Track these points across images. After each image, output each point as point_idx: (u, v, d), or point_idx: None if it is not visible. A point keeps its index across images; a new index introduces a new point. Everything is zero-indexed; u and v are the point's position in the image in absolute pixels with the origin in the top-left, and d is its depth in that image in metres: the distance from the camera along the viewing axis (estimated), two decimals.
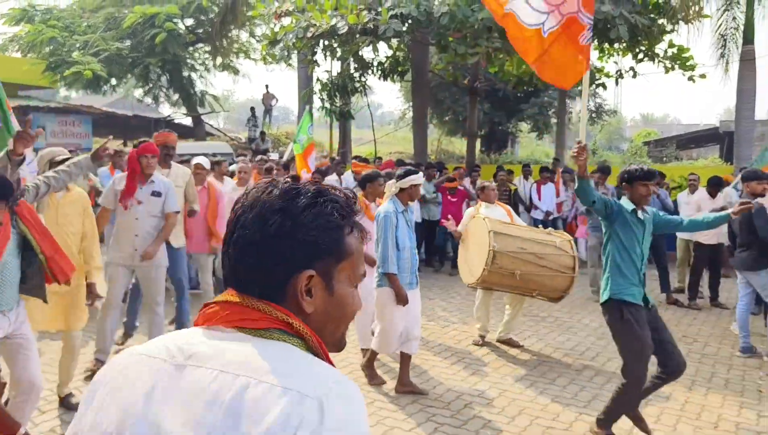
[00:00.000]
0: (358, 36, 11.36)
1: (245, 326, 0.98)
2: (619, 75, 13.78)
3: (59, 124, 16.07)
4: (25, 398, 3.49)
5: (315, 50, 12.89)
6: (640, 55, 12.17)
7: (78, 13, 19.14)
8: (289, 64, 19.71)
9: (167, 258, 5.29)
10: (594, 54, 12.91)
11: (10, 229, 3.34)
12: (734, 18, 12.98)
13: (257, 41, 20.31)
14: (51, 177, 3.89)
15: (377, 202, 5.77)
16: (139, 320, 6.01)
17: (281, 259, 1.00)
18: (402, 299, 4.78)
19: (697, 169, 12.66)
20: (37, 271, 3.49)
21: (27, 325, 3.55)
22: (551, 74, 4.45)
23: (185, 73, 20.08)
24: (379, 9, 10.62)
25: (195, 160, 6.73)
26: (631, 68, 12.86)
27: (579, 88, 7.62)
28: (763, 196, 6.23)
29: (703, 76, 11.96)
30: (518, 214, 10.35)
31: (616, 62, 13.69)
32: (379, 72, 14.50)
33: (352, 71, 14.19)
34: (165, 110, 23.74)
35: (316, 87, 14.74)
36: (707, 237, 7.75)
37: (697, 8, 11.45)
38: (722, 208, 7.98)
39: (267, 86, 20.69)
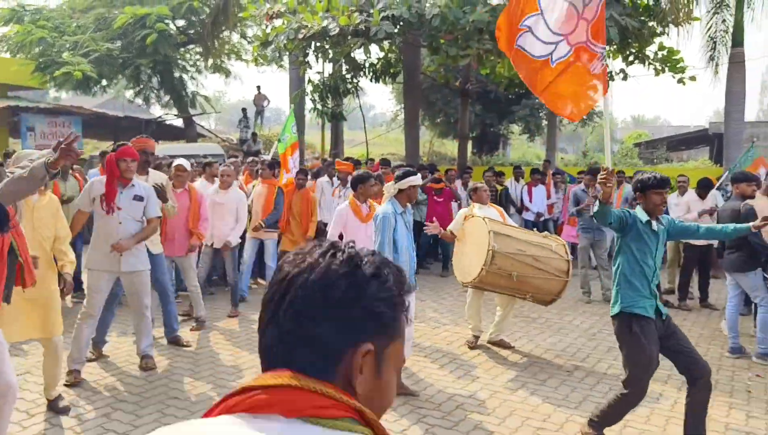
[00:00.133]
0: (349, 37, 11.36)
1: (318, 416, 0.86)
2: (610, 77, 13.83)
3: (49, 125, 15.95)
4: (3, 401, 3.46)
5: (306, 52, 12.87)
6: (631, 58, 12.23)
7: (68, 14, 19.04)
8: (281, 66, 19.68)
9: (149, 263, 5.23)
10: None
11: (6, 251, 3.37)
12: (723, 21, 13.08)
13: (248, 42, 20.27)
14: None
15: (368, 204, 5.76)
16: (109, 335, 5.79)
17: (343, 327, 0.93)
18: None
19: (687, 170, 12.73)
20: (10, 274, 3.48)
21: None
22: (560, 104, 4.32)
23: (176, 74, 20.01)
24: (371, 11, 10.62)
25: (176, 162, 6.65)
26: (622, 70, 12.92)
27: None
28: (752, 197, 6.28)
29: (693, 78, 12.02)
30: (509, 215, 10.41)
31: (606, 64, 13.74)
32: (371, 74, 14.50)
33: (343, 73, 14.20)
34: (156, 111, 23.65)
35: (308, 88, 14.73)
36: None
37: (686, 11, 11.53)
38: (712, 210, 8.05)
39: (258, 87, 20.62)
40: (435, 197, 10.23)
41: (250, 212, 7.80)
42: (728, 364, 5.87)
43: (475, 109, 20.52)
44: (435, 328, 6.87)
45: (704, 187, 8.18)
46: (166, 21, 17.33)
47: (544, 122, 21.03)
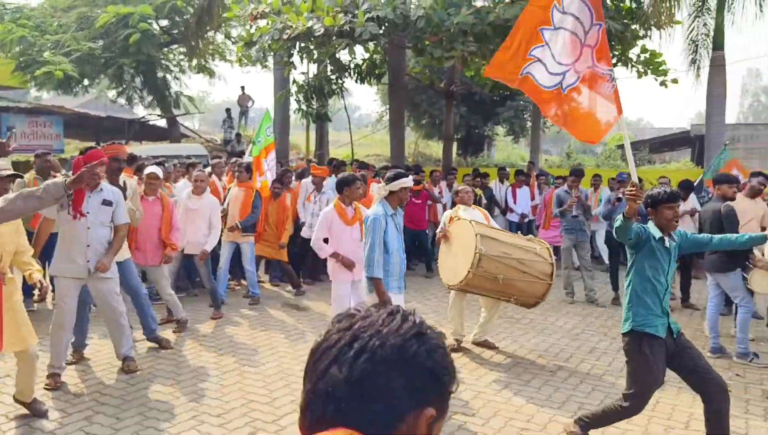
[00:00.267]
0: (334, 38, 11.35)
1: None
2: None
3: (29, 125, 15.77)
4: None
5: (291, 52, 12.83)
6: (614, 60, 12.33)
7: (49, 12, 18.83)
8: (265, 66, 19.60)
9: (116, 270, 5.12)
10: None
11: None
12: (705, 24, 13.25)
13: (233, 43, 20.18)
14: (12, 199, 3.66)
15: (353, 206, 5.74)
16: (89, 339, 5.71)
17: (414, 387, 0.93)
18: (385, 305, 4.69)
19: (669, 172, 12.87)
20: None
21: None
22: (580, 129, 4.30)
23: (160, 74, 19.87)
24: (356, 12, 10.61)
25: (147, 170, 6.47)
26: None
27: None
28: (733, 199, 6.35)
29: (675, 81, 12.15)
30: (494, 216, 10.45)
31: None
32: (356, 74, 14.49)
33: (328, 73, 14.17)
34: (139, 111, 23.45)
35: (293, 89, 14.69)
36: None
37: (668, 14, 11.66)
38: (693, 211, 8.13)
39: (243, 88, 20.55)
40: (413, 199, 10.23)
41: (225, 216, 7.72)
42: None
43: (460, 111, 20.59)
44: None
45: (685, 189, 8.27)
46: (150, 20, 17.21)
47: (529, 124, 21.15)
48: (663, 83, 12.15)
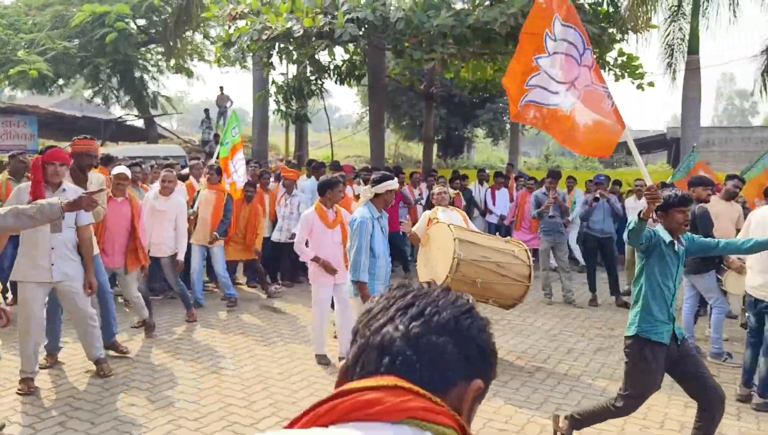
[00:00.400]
0: (313, 39, 11.31)
1: (426, 419, 0.85)
2: None
3: (3, 124, 15.48)
4: None
5: (270, 53, 12.78)
6: None
7: (23, 11, 18.53)
8: (245, 66, 19.50)
9: (82, 271, 4.94)
10: None
11: None
12: (680, 29, 13.46)
13: (211, 43, 20.03)
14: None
15: (335, 209, 5.71)
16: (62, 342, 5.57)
17: (466, 357, 0.95)
18: None
19: None
20: None
21: None
22: (587, 146, 4.36)
23: (137, 74, 19.65)
24: (335, 13, 10.59)
25: (116, 170, 6.15)
26: None
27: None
28: (707, 201, 6.44)
29: (651, 84, 12.31)
30: (473, 218, 10.50)
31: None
32: (336, 76, 14.47)
33: (308, 74, 14.13)
34: (116, 111, 23.17)
35: (272, 90, 14.62)
36: None
37: (645, 18, 11.82)
38: None
39: (222, 88, 20.34)
40: None
41: (196, 218, 7.60)
42: None
43: (440, 113, 20.66)
44: None
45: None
46: (126, 19, 17.02)
47: (508, 126, 21.28)
48: (640, 86, 12.31)
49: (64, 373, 5.27)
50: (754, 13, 15.00)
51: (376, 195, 4.73)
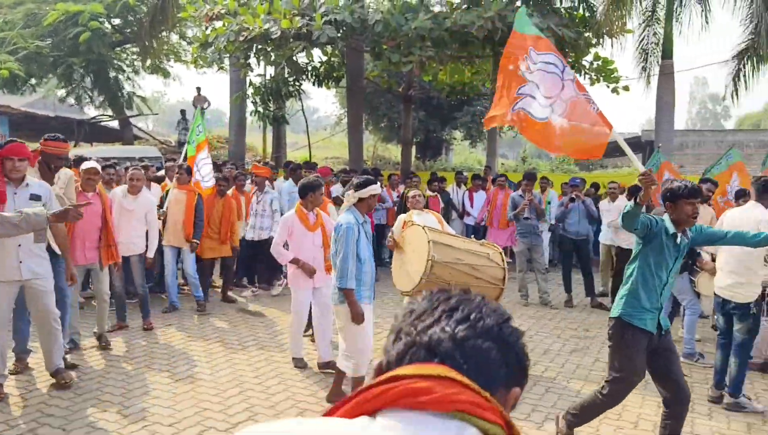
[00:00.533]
0: (291, 41, 11.26)
1: (473, 413, 0.86)
2: None
3: None
4: None
5: (248, 54, 12.69)
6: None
7: None
8: (222, 67, 19.33)
9: (51, 268, 4.84)
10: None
11: None
12: (655, 33, 13.65)
13: (188, 43, 19.83)
14: None
15: (315, 212, 5.67)
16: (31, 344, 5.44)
17: (506, 362, 0.98)
18: (358, 317, 4.52)
19: (620, 176, 13.18)
20: None
21: None
22: (578, 151, 4.49)
23: (112, 74, 19.34)
24: (313, 15, 10.56)
25: (86, 165, 5.91)
26: None
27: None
28: None
29: (626, 88, 12.46)
30: (451, 220, 10.54)
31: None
32: (314, 77, 14.42)
33: (286, 76, 14.06)
34: (90, 112, 22.81)
35: (249, 91, 14.52)
36: (629, 242, 8.05)
37: (620, 23, 11.97)
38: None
39: (198, 89, 20.15)
40: None
41: (165, 219, 7.52)
42: None
43: (418, 115, 20.71)
44: (377, 333, 6.84)
45: (635, 193, 8.47)
46: (101, 19, 16.75)
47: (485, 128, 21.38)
48: (615, 90, 12.45)
49: (34, 378, 5.17)
50: (725, 20, 15.26)
51: (360, 199, 4.69)
